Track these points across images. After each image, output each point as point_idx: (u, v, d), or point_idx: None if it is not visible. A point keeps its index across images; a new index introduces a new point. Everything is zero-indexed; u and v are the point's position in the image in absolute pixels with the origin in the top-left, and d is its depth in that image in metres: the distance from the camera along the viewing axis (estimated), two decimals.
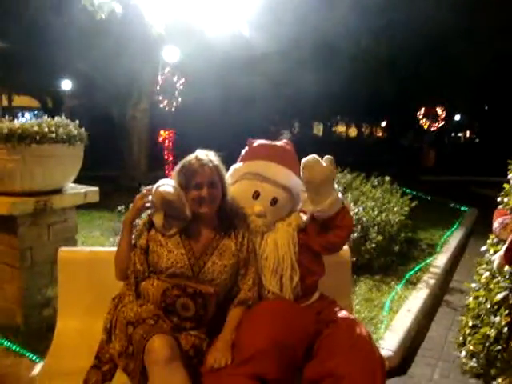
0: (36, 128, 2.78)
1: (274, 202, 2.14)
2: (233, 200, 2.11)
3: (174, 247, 1.96)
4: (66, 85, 18.34)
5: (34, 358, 2.86)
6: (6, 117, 3.04)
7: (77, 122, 3.14)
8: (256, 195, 2.14)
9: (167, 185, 1.95)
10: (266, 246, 2.12)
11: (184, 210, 1.95)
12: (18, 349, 2.96)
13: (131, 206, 2.05)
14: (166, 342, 1.71)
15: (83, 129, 3.16)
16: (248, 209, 2.14)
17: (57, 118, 3.10)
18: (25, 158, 2.80)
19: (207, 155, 2.02)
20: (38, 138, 2.77)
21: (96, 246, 5.24)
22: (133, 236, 2.07)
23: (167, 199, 1.90)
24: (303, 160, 2.03)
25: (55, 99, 20.26)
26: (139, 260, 2.00)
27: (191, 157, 2.00)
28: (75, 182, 3.50)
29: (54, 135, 2.83)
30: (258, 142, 2.32)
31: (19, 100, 22.63)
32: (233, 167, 2.26)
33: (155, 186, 1.96)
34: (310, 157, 2.02)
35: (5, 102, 19.11)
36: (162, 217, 1.95)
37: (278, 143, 2.32)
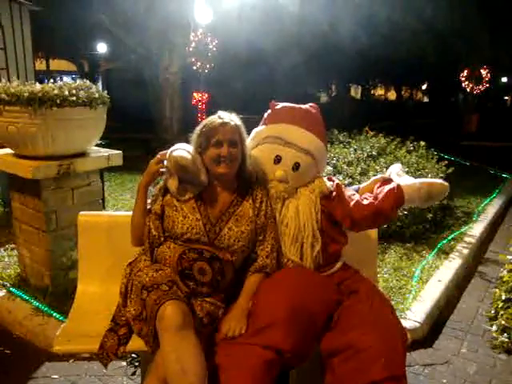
0: (56, 91, 2.74)
1: (296, 167, 2.05)
2: (253, 164, 2.03)
3: (190, 212, 1.91)
4: (102, 48, 18.41)
5: (60, 318, 2.94)
6: (46, 81, 3.02)
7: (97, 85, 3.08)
8: (277, 160, 2.06)
9: (182, 149, 1.89)
10: (287, 213, 2.04)
11: (199, 175, 1.90)
12: (46, 309, 3.05)
13: (146, 170, 2.00)
14: (178, 308, 1.68)
15: (106, 91, 3.11)
16: (269, 174, 2.07)
17: (88, 82, 3.07)
18: (46, 121, 2.78)
19: (229, 115, 1.96)
20: (58, 101, 2.73)
21: (126, 208, 5.32)
22: (148, 201, 2.03)
23: (181, 164, 1.84)
24: (446, 183, 2.14)
25: (91, 63, 20.44)
26: (154, 225, 1.96)
27: (213, 116, 1.96)
28: (106, 144, 3.49)
29: (74, 98, 2.79)
30: (281, 105, 2.22)
31: (57, 64, 23.01)
32: (254, 130, 2.18)
33: (170, 151, 1.90)
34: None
35: (42, 66, 19.36)
36: (177, 182, 1.90)
37: (303, 106, 2.21)
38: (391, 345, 1.79)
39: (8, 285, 3.37)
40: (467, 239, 4.84)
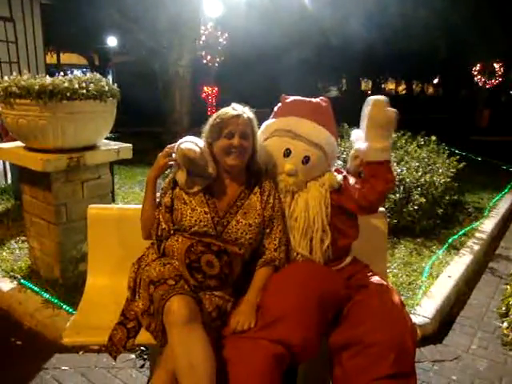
0: (67, 84, 2.74)
1: (306, 160, 2.03)
2: (263, 157, 2.03)
3: (198, 205, 1.91)
4: (112, 41, 18.43)
5: (70, 310, 2.95)
6: (57, 74, 3.03)
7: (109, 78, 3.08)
8: (287, 153, 2.04)
9: (190, 142, 1.89)
10: (297, 207, 2.03)
11: (207, 168, 1.90)
12: (56, 301, 3.07)
13: (154, 164, 2.00)
14: (184, 303, 1.68)
15: (115, 84, 3.11)
16: (279, 167, 2.05)
17: (98, 75, 3.07)
18: (56, 114, 2.78)
19: (242, 108, 1.96)
20: (68, 94, 2.74)
21: (135, 201, 5.33)
22: (158, 194, 2.03)
23: (189, 157, 1.84)
24: (373, 97, 2.00)
25: (102, 56, 20.50)
26: (164, 218, 1.97)
27: (227, 108, 1.96)
28: (116, 137, 3.51)
29: (84, 91, 2.79)
30: (291, 98, 2.20)
31: (68, 58, 23.09)
32: (264, 123, 2.16)
33: (178, 144, 1.90)
34: (380, 96, 2.00)
35: (53, 60, 19.46)
36: (185, 175, 1.90)
37: (313, 100, 2.19)
38: (401, 340, 1.77)
39: (19, 277, 3.40)
40: (478, 235, 4.80)
